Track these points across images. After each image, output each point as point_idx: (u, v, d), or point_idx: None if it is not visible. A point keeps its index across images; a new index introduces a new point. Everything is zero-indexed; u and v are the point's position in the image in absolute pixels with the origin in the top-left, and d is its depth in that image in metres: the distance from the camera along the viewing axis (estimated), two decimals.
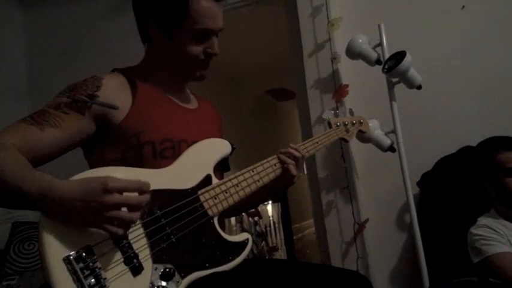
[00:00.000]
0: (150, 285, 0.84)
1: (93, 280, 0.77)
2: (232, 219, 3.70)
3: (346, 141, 1.48)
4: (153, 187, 0.91)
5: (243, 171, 1.08)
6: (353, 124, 1.49)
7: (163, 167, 0.99)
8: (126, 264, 0.82)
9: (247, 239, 1.02)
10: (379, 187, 1.99)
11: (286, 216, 4.17)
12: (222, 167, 1.12)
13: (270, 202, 4.10)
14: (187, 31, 1.07)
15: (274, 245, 3.93)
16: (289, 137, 5.69)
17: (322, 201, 2.01)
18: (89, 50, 2.59)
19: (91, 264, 0.78)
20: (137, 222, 0.86)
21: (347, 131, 1.45)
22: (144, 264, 0.84)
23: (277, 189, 1.23)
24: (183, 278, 0.88)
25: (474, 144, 1.71)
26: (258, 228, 3.82)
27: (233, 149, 1.13)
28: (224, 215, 1.13)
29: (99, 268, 0.79)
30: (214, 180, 1.03)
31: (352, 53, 1.83)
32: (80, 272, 0.76)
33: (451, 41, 1.95)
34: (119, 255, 0.82)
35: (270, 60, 3.99)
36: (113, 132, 1.01)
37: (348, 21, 2.03)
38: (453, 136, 1.87)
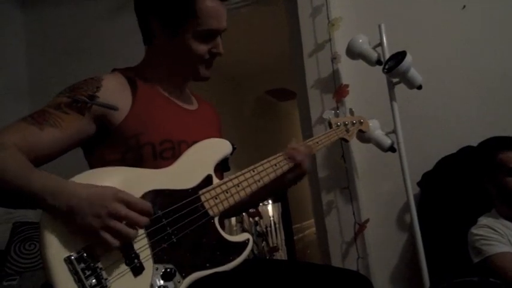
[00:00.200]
0: (151, 285, 0.84)
1: (94, 280, 0.77)
2: (233, 219, 3.70)
3: (347, 141, 1.48)
4: (154, 187, 0.92)
5: (243, 171, 1.08)
6: (353, 124, 1.49)
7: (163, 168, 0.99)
8: (127, 264, 0.83)
9: (248, 239, 1.02)
10: (379, 187, 1.99)
11: (286, 216, 4.16)
12: (222, 167, 1.12)
13: (271, 202, 4.10)
14: (193, 31, 1.07)
15: (275, 245, 3.93)
16: (289, 137, 5.69)
17: (323, 201, 2.01)
18: (89, 50, 2.59)
19: (92, 264, 0.78)
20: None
21: (347, 131, 1.45)
22: (145, 265, 0.84)
23: (282, 188, 1.23)
24: (184, 278, 0.88)
25: (475, 144, 1.71)
26: (258, 228, 3.82)
27: (234, 149, 1.13)
28: (225, 215, 1.13)
29: (100, 268, 0.79)
30: (215, 180, 1.03)
31: (353, 53, 1.83)
32: (81, 272, 0.76)
33: (451, 41, 1.95)
34: (119, 256, 0.82)
35: (270, 60, 3.98)
36: (112, 133, 1.00)
37: (348, 21, 2.03)
38: (454, 136, 1.87)
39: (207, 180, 1.02)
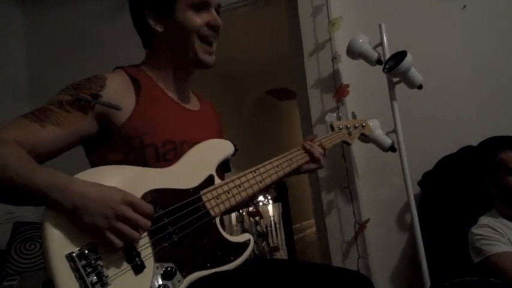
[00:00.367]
0: (152, 283, 0.84)
1: (95, 278, 0.77)
2: (233, 219, 3.70)
3: (349, 144, 1.49)
4: (155, 186, 0.92)
5: (245, 172, 1.08)
6: (355, 127, 1.50)
7: None
8: (128, 262, 0.83)
9: (249, 240, 1.02)
10: (380, 187, 1.99)
11: (287, 216, 4.16)
12: (223, 168, 1.12)
13: (271, 202, 4.10)
14: (185, 4, 1.07)
15: (275, 245, 3.93)
16: (290, 137, 5.70)
17: (323, 201, 2.01)
18: (88, 50, 2.59)
19: (93, 261, 0.78)
20: None
21: (349, 134, 1.46)
22: (146, 263, 0.84)
23: (297, 174, 1.29)
24: (184, 277, 0.88)
25: (475, 144, 1.71)
26: (259, 228, 3.81)
27: (236, 150, 1.12)
28: (225, 212, 1.13)
29: (102, 266, 0.79)
30: (217, 181, 1.03)
31: (353, 52, 1.83)
32: (82, 269, 0.76)
33: (451, 41, 1.96)
34: (121, 254, 0.82)
35: (270, 60, 3.98)
36: (115, 132, 1.00)
37: (349, 21, 2.03)
38: (454, 136, 1.87)
39: (209, 181, 1.02)
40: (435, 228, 1.73)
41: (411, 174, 1.74)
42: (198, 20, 1.09)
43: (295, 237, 4.35)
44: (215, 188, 1.01)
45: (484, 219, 1.55)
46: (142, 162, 0.98)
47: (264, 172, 1.12)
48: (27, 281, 2.06)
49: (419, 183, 1.86)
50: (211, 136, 1.12)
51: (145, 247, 0.86)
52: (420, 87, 1.72)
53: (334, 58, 2.00)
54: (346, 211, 1.94)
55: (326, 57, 2.03)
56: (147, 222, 0.84)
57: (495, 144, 1.59)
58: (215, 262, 0.94)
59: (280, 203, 4.14)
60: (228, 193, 1.02)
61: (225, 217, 1.38)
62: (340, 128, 1.43)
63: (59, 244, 0.77)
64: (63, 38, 2.70)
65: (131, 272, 0.82)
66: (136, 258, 0.84)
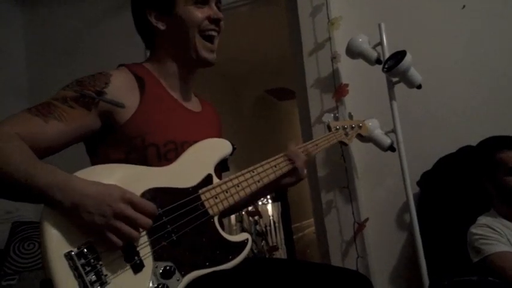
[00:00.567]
0: (151, 282, 0.84)
1: (94, 277, 0.77)
2: (232, 218, 3.71)
3: (345, 144, 1.49)
4: (154, 185, 0.92)
5: (243, 171, 1.09)
6: (352, 128, 1.51)
7: None
8: (127, 261, 0.83)
9: (247, 239, 1.02)
10: (379, 186, 1.99)
11: (286, 215, 4.16)
12: (221, 167, 1.12)
13: (270, 202, 4.10)
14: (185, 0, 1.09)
15: (274, 244, 3.93)
16: (289, 136, 5.70)
17: (322, 200, 2.01)
18: (88, 50, 2.60)
19: (92, 260, 0.78)
20: None
21: (346, 134, 1.46)
22: (145, 262, 0.84)
23: (276, 189, 1.24)
24: (183, 276, 0.88)
25: (474, 144, 1.71)
26: (258, 227, 3.82)
27: (234, 149, 1.13)
28: (224, 214, 1.13)
29: (101, 265, 0.79)
30: (215, 180, 1.03)
31: (352, 52, 1.83)
32: (81, 268, 0.76)
33: (451, 40, 1.96)
34: (120, 253, 0.82)
35: (270, 59, 3.99)
36: (117, 130, 1.00)
37: (348, 20, 2.03)
38: (453, 136, 1.87)
39: (207, 180, 1.02)
40: (434, 228, 1.74)
41: (410, 174, 1.74)
42: (198, 14, 1.10)
43: (294, 237, 4.35)
44: (213, 187, 1.01)
45: (482, 219, 1.55)
46: (144, 161, 0.98)
47: (262, 172, 1.12)
48: (26, 281, 2.06)
49: (419, 183, 1.86)
50: (211, 137, 1.12)
51: (144, 246, 0.86)
52: (419, 87, 1.72)
53: (334, 58, 2.00)
54: (345, 211, 1.95)
55: (325, 56, 2.03)
56: (148, 221, 0.83)
57: (494, 144, 1.59)
58: (214, 261, 0.94)
59: (279, 203, 4.14)
60: (227, 192, 1.02)
61: None
62: (337, 129, 1.44)
63: (58, 243, 0.77)
64: (62, 37, 2.70)
65: (130, 271, 0.82)
66: (136, 257, 0.84)
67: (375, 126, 1.76)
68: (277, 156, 1.18)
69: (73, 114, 0.94)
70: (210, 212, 0.98)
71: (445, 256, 1.66)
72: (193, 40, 1.11)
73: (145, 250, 0.85)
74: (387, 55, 1.74)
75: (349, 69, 2.01)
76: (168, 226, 0.90)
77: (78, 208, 0.78)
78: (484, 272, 1.38)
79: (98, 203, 0.79)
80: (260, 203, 3.96)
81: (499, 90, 1.87)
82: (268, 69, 4.32)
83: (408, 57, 1.64)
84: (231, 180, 1.05)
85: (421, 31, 1.99)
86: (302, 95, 2.13)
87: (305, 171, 1.21)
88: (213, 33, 1.13)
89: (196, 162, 1.03)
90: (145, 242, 0.86)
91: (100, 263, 0.79)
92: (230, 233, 1.02)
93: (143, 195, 0.89)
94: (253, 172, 1.10)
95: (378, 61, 1.78)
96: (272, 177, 1.14)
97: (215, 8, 1.13)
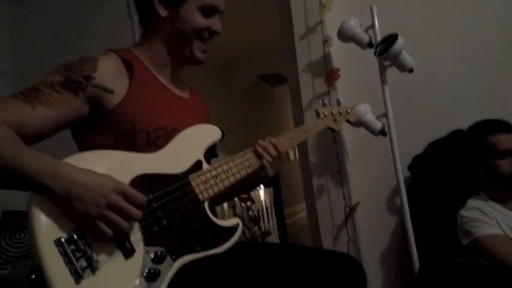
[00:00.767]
0: (142, 267, 0.84)
1: (84, 262, 0.77)
2: (225, 204, 3.71)
3: (334, 130, 1.50)
4: (144, 171, 0.92)
5: (233, 156, 1.08)
6: (340, 114, 1.51)
7: None
8: (118, 247, 0.82)
9: (238, 224, 1.02)
10: (370, 171, 2.00)
11: (278, 200, 4.19)
12: (210, 153, 1.12)
13: (262, 187, 4.12)
14: (195, 4, 1.08)
15: (267, 229, 3.96)
16: (281, 122, 5.69)
17: (314, 185, 2.02)
18: (73, 39, 2.55)
19: (82, 246, 0.78)
20: None
21: (335, 120, 1.47)
22: (136, 247, 0.84)
23: (258, 180, 1.21)
24: (174, 260, 0.88)
25: (465, 128, 1.72)
26: (250, 213, 3.84)
27: (223, 135, 1.12)
28: (215, 201, 1.13)
29: (91, 250, 0.79)
30: (205, 166, 1.03)
31: (344, 35, 1.81)
32: (71, 254, 0.76)
33: (443, 23, 1.94)
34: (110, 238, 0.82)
35: (261, 44, 3.95)
36: (105, 116, 0.99)
37: (340, 3, 2.00)
38: (444, 120, 1.87)
39: (197, 165, 1.01)
40: (424, 211, 1.75)
41: (401, 158, 1.74)
42: (202, 21, 1.10)
43: (286, 222, 4.39)
44: (204, 173, 1.00)
45: (472, 202, 1.57)
46: (133, 147, 0.98)
47: (252, 157, 1.12)
48: (18, 270, 2.06)
49: (409, 167, 1.87)
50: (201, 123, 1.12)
51: (134, 232, 0.85)
52: (411, 70, 1.72)
53: (325, 41, 1.98)
54: (337, 195, 1.95)
55: (317, 40, 2.01)
56: (139, 213, 0.83)
57: (484, 127, 1.59)
58: (204, 246, 0.94)
59: (271, 188, 4.17)
60: (217, 178, 1.02)
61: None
62: (325, 115, 1.44)
63: (47, 229, 0.76)
64: (48, 26, 2.66)
65: (121, 257, 0.82)
66: (126, 243, 0.84)
67: (366, 111, 1.76)
68: (246, 151, 1.12)
69: (60, 99, 0.93)
70: (201, 197, 0.98)
71: (436, 239, 1.68)
72: (189, 41, 1.11)
73: (136, 236, 0.85)
74: (379, 38, 1.73)
75: (340, 53, 2.00)
76: (159, 212, 0.90)
77: (70, 196, 0.77)
78: (473, 255, 1.40)
79: (91, 192, 0.78)
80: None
81: (490, 75, 1.87)
82: (259, 55, 4.28)
83: (400, 41, 1.63)
84: (221, 166, 1.05)
85: (413, 13, 1.98)
86: (293, 80, 2.12)
87: (271, 171, 1.12)
88: (206, 41, 1.14)
89: (185, 148, 1.02)
90: (137, 227, 0.86)
91: (91, 248, 0.79)
92: (223, 219, 1.02)
93: (133, 181, 0.89)
94: (242, 158, 1.10)
95: (370, 44, 1.76)
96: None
97: (218, 21, 1.14)
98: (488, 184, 1.57)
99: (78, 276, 0.75)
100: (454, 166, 1.74)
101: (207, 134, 1.10)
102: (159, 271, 0.85)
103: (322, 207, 2.00)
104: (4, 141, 0.80)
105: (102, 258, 0.80)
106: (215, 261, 0.95)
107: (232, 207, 3.77)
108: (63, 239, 0.76)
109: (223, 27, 1.16)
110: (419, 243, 1.69)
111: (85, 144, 1.01)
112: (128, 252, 0.83)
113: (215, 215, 1.04)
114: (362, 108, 1.74)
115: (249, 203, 3.83)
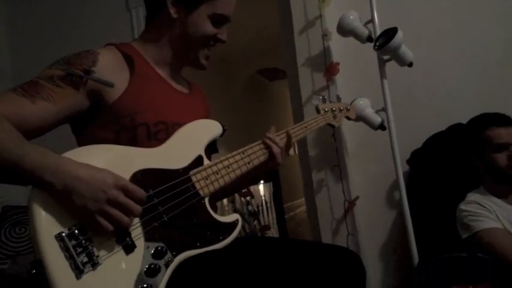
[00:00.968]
0: (143, 263, 0.84)
1: (85, 258, 0.77)
2: (225, 199, 3.72)
3: (333, 126, 1.50)
4: (144, 166, 0.91)
5: (233, 153, 1.08)
6: (340, 110, 1.51)
7: None
8: (118, 242, 0.82)
9: (237, 220, 1.03)
10: (369, 165, 2.00)
11: (277, 195, 4.19)
12: (210, 148, 1.11)
13: (262, 182, 4.12)
14: (207, 12, 1.09)
15: (267, 223, 3.97)
16: (280, 117, 5.69)
17: (313, 179, 2.02)
18: (73, 38, 2.53)
19: (84, 241, 0.78)
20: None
21: (334, 117, 1.47)
22: (136, 243, 0.84)
23: (262, 173, 1.22)
24: (174, 256, 0.88)
25: (464, 121, 1.72)
26: (250, 207, 3.84)
27: (224, 130, 1.12)
28: (215, 197, 1.13)
29: (92, 245, 0.79)
30: (206, 161, 1.02)
31: (344, 29, 1.81)
32: (72, 249, 0.76)
33: (443, 17, 1.94)
34: (111, 234, 0.82)
35: (261, 39, 3.94)
36: (106, 110, 0.98)
37: None
38: (443, 114, 1.87)
39: (198, 161, 1.01)
40: (424, 206, 1.75)
41: (400, 152, 1.75)
42: (211, 29, 1.11)
43: (286, 216, 4.40)
44: (204, 169, 1.00)
45: (471, 196, 1.57)
46: (133, 140, 0.97)
47: (252, 153, 1.12)
48: (17, 265, 2.06)
49: (408, 161, 1.88)
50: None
51: (135, 227, 0.85)
52: (411, 64, 1.72)
53: (325, 35, 1.98)
54: (336, 189, 1.96)
55: (316, 34, 2.01)
56: (139, 208, 0.83)
57: (483, 121, 1.59)
58: (204, 241, 0.94)
59: (271, 183, 4.17)
60: (217, 174, 1.02)
61: None
62: (325, 111, 1.44)
63: (48, 224, 0.76)
64: (46, 24, 2.65)
65: (122, 252, 0.82)
66: (127, 238, 0.83)
67: (365, 105, 1.76)
68: (253, 144, 1.14)
69: (61, 94, 0.92)
70: (201, 193, 0.98)
71: (435, 233, 1.69)
72: (196, 46, 1.12)
73: (136, 231, 0.85)
74: (378, 32, 1.73)
75: (340, 47, 2.00)
76: (160, 207, 0.90)
77: (70, 191, 0.77)
78: (473, 249, 1.40)
79: (91, 187, 0.78)
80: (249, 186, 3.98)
81: (490, 68, 1.87)
82: (259, 49, 4.27)
83: (399, 35, 1.63)
84: (221, 161, 1.04)
85: (413, 7, 1.97)
86: (293, 74, 2.11)
87: (280, 159, 1.15)
88: (211, 47, 1.16)
89: (186, 143, 1.02)
90: (137, 223, 0.86)
91: (92, 244, 0.79)
92: (222, 214, 1.03)
93: (134, 176, 0.88)
94: (243, 154, 1.10)
95: (369, 39, 1.76)
96: (262, 158, 1.13)
97: (225, 30, 1.15)
98: (487, 178, 1.57)
99: (79, 271, 0.75)
100: (453, 160, 1.74)
101: (208, 129, 1.09)
102: (159, 266, 0.85)
103: (321, 201, 2.00)
104: (4, 136, 0.80)
105: (103, 253, 0.80)
106: (215, 255, 0.95)
107: (232, 201, 3.77)
108: (64, 234, 0.76)
109: None
110: (419, 237, 1.70)
111: (85, 138, 1.01)
112: (129, 248, 0.83)
113: (215, 210, 1.04)
114: (361, 102, 1.74)
115: (248, 198, 3.83)
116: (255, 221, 3.83)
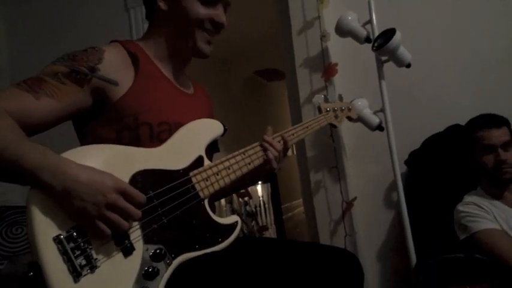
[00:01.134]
0: (141, 265, 0.83)
1: (83, 260, 0.76)
2: (222, 199, 3.71)
3: (335, 126, 1.50)
4: (145, 167, 0.91)
5: (234, 153, 1.08)
6: (342, 110, 1.51)
7: None
8: (117, 244, 0.82)
9: (237, 222, 1.02)
10: (367, 166, 2.00)
11: (275, 196, 4.19)
12: (212, 148, 1.11)
13: (260, 182, 4.12)
14: None
15: (265, 224, 3.97)
16: (279, 117, 5.69)
17: (311, 180, 2.02)
18: (71, 37, 2.53)
19: (82, 244, 0.77)
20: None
21: (336, 116, 1.46)
22: (135, 245, 0.84)
23: (262, 174, 1.21)
24: (173, 258, 0.88)
25: (462, 122, 1.72)
26: (248, 208, 3.84)
27: (225, 130, 1.11)
28: (214, 197, 1.13)
29: (90, 248, 0.78)
30: (206, 162, 1.02)
31: (342, 30, 1.81)
32: (70, 252, 0.75)
33: (442, 18, 1.94)
34: (109, 236, 0.81)
35: (259, 40, 3.93)
36: (109, 108, 0.97)
37: None
38: (441, 115, 1.87)
39: (198, 162, 1.01)
40: (421, 207, 1.76)
41: (398, 153, 1.75)
42: (202, 11, 1.08)
43: (284, 217, 4.39)
44: (205, 170, 1.00)
45: (469, 197, 1.57)
46: (136, 140, 0.97)
47: (253, 154, 1.11)
48: (14, 265, 2.05)
49: (406, 162, 1.88)
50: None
51: (134, 229, 0.85)
52: (409, 65, 1.72)
53: (323, 36, 1.98)
54: (334, 190, 1.96)
55: (315, 35, 2.01)
56: (138, 213, 0.83)
57: (479, 122, 1.59)
58: (203, 244, 0.94)
59: (269, 184, 4.17)
60: (218, 175, 1.02)
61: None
62: (327, 111, 1.43)
63: (46, 226, 0.75)
64: (45, 24, 2.64)
65: (120, 255, 0.82)
66: (126, 241, 0.83)
67: (363, 106, 1.76)
68: (249, 147, 1.14)
69: (65, 91, 0.91)
70: (201, 194, 0.98)
71: (432, 234, 1.69)
72: (192, 31, 1.09)
73: (135, 233, 0.85)
74: (377, 33, 1.73)
75: (338, 48, 1.99)
76: (159, 209, 0.89)
77: (69, 194, 0.76)
78: (470, 249, 1.40)
79: (91, 190, 0.77)
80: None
81: (488, 70, 1.87)
82: (257, 50, 4.26)
83: (398, 35, 1.63)
84: (222, 162, 1.04)
85: (411, 8, 1.97)
86: (291, 75, 2.11)
87: (275, 164, 1.14)
88: (212, 34, 1.12)
89: (187, 143, 1.02)
90: (136, 225, 0.86)
91: (90, 246, 0.78)
92: (220, 214, 1.02)
93: (134, 177, 0.88)
94: (244, 155, 1.09)
95: (368, 39, 1.76)
96: (262, 159, 1.13)
97: (221, 11, 1.11)
98: (484, 179, 1.58)
99: (77, 274, 0.75)
100: (451, 161, 1.74)
101: (209, 128, 1.09)
102: (157, 269, 0.84)
103: (319, 202, 2.00)
104: (5, 132, 0.79)
105: (101, 256, 0.79)
106: (213, 257, 0.95)
107: (230, 202, 3.76)
108: (62, 236, 0.75)
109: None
110: (416, 238, 1.70)
111: (87, 136, 1.00)
112: (127, 251, 0.83)
113: (214, 211, 1.03)
114: (359, 103, 1.74)
115: (246, 198, 3.83)
116: (253, 222, 3.83)
